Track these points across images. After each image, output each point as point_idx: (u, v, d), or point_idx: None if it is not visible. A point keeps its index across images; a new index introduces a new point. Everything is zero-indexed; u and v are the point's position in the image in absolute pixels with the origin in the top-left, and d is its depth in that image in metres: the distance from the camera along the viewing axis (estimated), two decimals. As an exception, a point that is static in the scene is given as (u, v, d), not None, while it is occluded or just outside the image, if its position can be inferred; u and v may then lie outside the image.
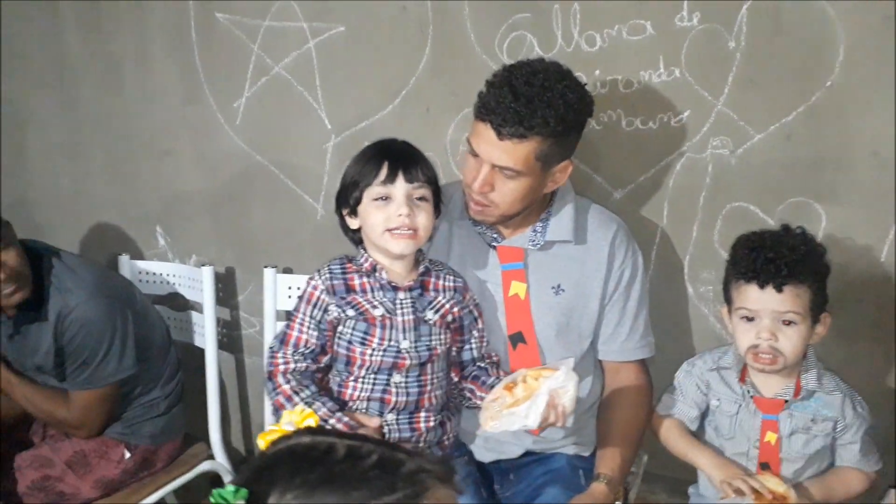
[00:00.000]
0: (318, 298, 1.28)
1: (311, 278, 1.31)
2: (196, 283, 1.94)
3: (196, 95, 1.91)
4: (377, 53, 1.70)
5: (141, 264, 2.03)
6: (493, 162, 1.25)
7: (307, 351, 1.28)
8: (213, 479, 1.93)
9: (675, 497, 1.55)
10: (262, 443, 0.84)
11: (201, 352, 1.94)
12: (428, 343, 1.28)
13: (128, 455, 1.77)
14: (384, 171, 1.22)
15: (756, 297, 1.23)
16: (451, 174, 1.66)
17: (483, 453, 1.46)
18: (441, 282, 1.33)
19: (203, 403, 1.94)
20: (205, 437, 1.95)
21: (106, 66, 1.99)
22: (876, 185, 1.36)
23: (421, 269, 1.31)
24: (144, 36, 1.92)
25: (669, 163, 1.51)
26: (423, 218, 1.24)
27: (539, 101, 1.20)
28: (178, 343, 1.91)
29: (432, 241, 1.34)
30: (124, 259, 2.02)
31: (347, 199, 1.27)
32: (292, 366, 1.27)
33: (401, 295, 1.28)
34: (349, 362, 1.28)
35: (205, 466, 1.91)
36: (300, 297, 1.32)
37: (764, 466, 1.30)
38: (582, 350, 1.41)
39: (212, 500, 0.65)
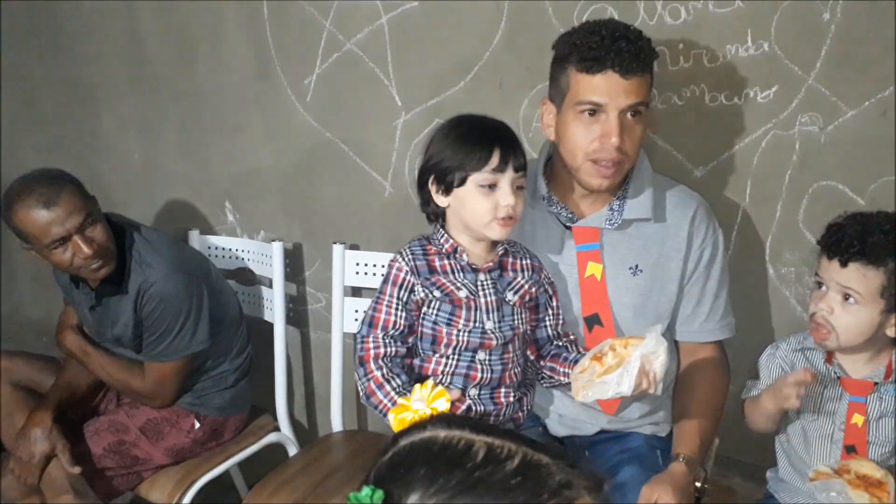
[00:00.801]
0: (404, 280, 1.28)
1: (393, 260, 1.31)
2: (265, 258, 1.97)
3: (267, 72, 1.93)
4: (451, 29, 1.68)
5: (211, 239, 2.06)
6: (625, 105, 1.24)
7: (396, 332, 1.28)
8: (278, 451, 1.96)
9: (749, 481, 1.52)
10: (392, 421, 0.82)
11: (269, 326, 1.96)
12: (511, 323, 1.28)
13: (197, 425, 1.82)
14: (495, 159, 1.20)
15: (825, 266, 1.23)
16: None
17: (557, 428, 1.45)
18: (519, 262, 1.32)
19: (269, 377, 1.97)
20: (271, 410, 1.99)
21: (178, 42, 2.02)
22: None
23: (500, 250, 1.30)
24: (217, 11, 1.93)
25: (754, 140, 1.47)
26: (521, 205, 1.24)
27: (636, 38, 1.24)
28: (246, 317, 1.94)
29: None
30: (194, 234, 2.05)
31: (444, 178, 1.24)
32: (383, 350, 1.27)
33: (481, 276, 1.28)
34: (435, 341, 1.28)
35: (271, 438, 1.94)
36: (385, 280, 1.32)
37: (850, 449, 1.26)
38: (668, 336, 1.39)
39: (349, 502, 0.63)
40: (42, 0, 2.14)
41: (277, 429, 1.97)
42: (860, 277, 1.19)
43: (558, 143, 1.32)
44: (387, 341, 1.28)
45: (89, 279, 1.66)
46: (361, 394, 1.29)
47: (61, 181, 1.57)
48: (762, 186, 1.49)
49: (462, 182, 1.22)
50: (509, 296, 1.28)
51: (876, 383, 1.25)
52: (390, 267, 1.31)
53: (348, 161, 1.91)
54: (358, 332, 1.32)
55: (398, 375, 1.27)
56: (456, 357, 1.27)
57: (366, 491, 0.62)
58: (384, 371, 1.26)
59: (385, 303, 1.29)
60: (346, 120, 1.88)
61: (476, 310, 1.26)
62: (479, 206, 1.21)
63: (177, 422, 1.81)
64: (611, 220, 1.36)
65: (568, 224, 1.38)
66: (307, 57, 1.86)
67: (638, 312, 1.35)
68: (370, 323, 1.30)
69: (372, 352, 1.28)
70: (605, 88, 1.23)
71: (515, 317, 1.29)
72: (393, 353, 1.28)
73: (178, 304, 1.66)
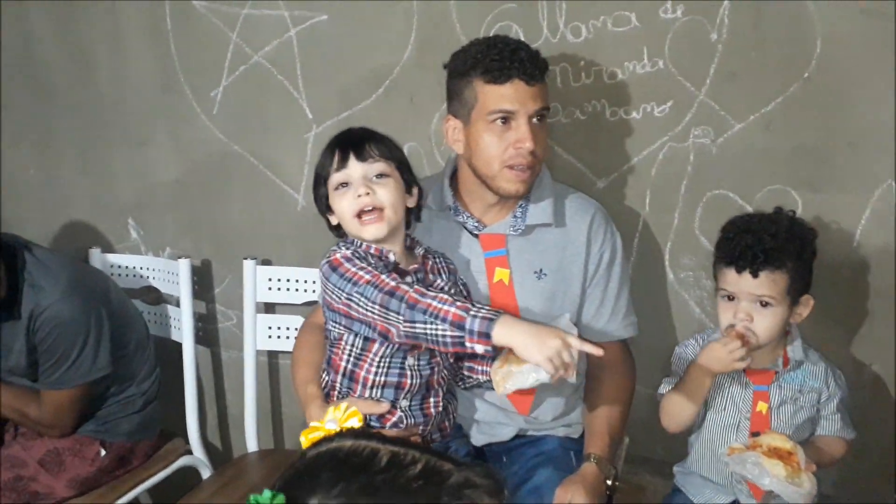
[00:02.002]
0: (353, 254, 1.22)
1: (332, 251, 1.25)
2: (171, 275, 1.91)
3: (171, 84, 1.88)
4: (361, 42, 1.69)
5: (112, 258, 1.98)
6: (533, 110, 1.29)
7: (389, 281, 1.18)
8: (190, 475, 1.89)
9: (658, 478, 1.59)
10: (303, 440, 0.82)
11: (178, 346, 1.90)
12: None
13: (103, 453, 1.73)
14: (337, 157, 1.23)
15: (734, 280, 1.29)
16: (436, 165, 1.67)
17: (477, 437, 1.47)
18: (438, 265, 1.34)
19: (179, 398, 1.90)
20: (182, 433, 1.92)
21: (77, 54, 1.94)
22: (852, 174, 1.42)
23: (419, 251, 1.32)
24: (118, 23, 1.87)
25: (652, 152, 1.55)
26: (386, 193, 1.22)
27: (530, 49, 1.31)
28: (154, 338, 1.87)
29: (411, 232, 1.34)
30: (95, 252, 1.97)
31: (318, 196, 1.27)
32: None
33: (408, 279, 1.26)
34: (365, 347, 1.25)
35: (183, 462, 1.88)
36: (340, 267, 1.21)
37: (755, 435, 1.34)
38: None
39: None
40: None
41: (189, 452, 1.90)
42: (771, 283, 1.26)
43: (470, 155, 1.35)
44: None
45: None
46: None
47: None
48: (660, 196, 1.57)
49: (327, 194, 1.25)
50: None
51: (776, 372, 1.35)
52: (332, 255, 1.24)
53: (258, 175, 1.88)
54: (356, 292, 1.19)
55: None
56: (387, 363, 1.25)
57: (266, 494, 0.63)
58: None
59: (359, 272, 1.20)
60: (255, 133, 1.86)
61: None
62: (339, 207, 1.24)
63: (80, 450, 1.71)
64: (514, 226, 1.40)
65: (475, 232, 1.42)
66: (214, 69, 1.83)
67: (545, 315, 1.39)
68: (354, 281, 1.19)
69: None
70: (514, 96, 1.27)
71: None
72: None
73: (74, 329, 1.58)
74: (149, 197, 2.01)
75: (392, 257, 1.25)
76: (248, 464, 1.85)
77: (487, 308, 1.12)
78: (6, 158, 2.09)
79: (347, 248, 1.24)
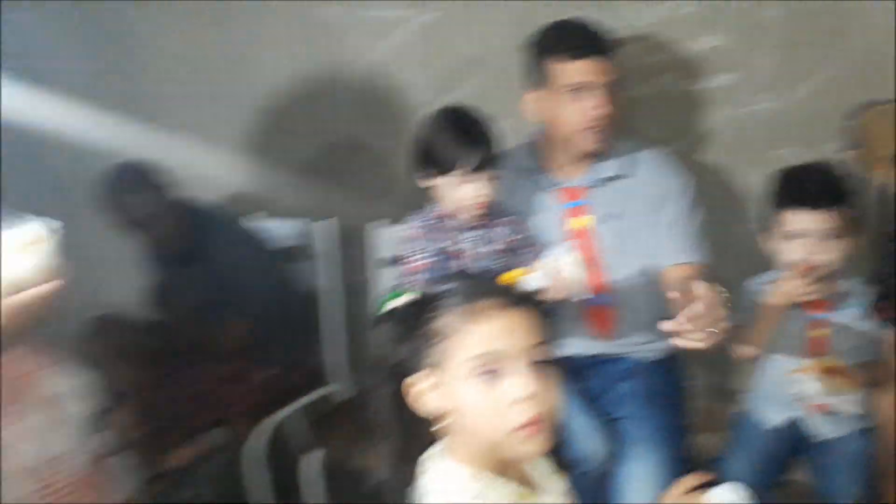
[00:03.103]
0: (420, 235, 1.55)
1: (408, 222, 1.58)
2: (317, 237, 2.30)
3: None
4: (467, 33, 2.01)
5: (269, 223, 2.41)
6: (605, 81, 1.53)
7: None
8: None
9: (727, 403, 1.80)
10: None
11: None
12: None
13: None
14: (462, 164, 1.45)
15: (803, 219, 1.44)
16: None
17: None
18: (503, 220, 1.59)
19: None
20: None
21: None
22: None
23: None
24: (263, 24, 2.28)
25: (718, 120, 1.76)
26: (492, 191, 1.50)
27: (601, 30, 1.57)
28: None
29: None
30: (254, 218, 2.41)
31: (425, 166, 1.51)
32: None
33: (467, 233, 1.55)
34: None
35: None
36: (407, 240, 1.57)
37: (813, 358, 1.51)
38: (643, 266, 1.66)
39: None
40: None
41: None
42: (834, 217, 1.44)
43: (549, 122, 1.63)
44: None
45: None
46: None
47: None
48: (726, 160, 1.77)
49: (437, 176, 1.51)
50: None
51: (832, 301, 1.51)
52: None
53: (383, 151, 2.23)
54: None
55: None
56: None
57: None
58: None
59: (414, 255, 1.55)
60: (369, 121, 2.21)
61: None
62: (452, 196, 1.50)
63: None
64: (590, 179, 1.66)
65: (554, 187, 1.68)
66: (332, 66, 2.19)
67: (622, 253, 1.64)
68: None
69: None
70: (587, 70, 1.54)
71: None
72: None
73: None
74: (295, 171, 2.42)
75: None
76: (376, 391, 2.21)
77: None
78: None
79: (422, 218, 1.55)
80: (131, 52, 2.52)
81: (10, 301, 0.96)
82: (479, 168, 1.47)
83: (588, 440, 1.54)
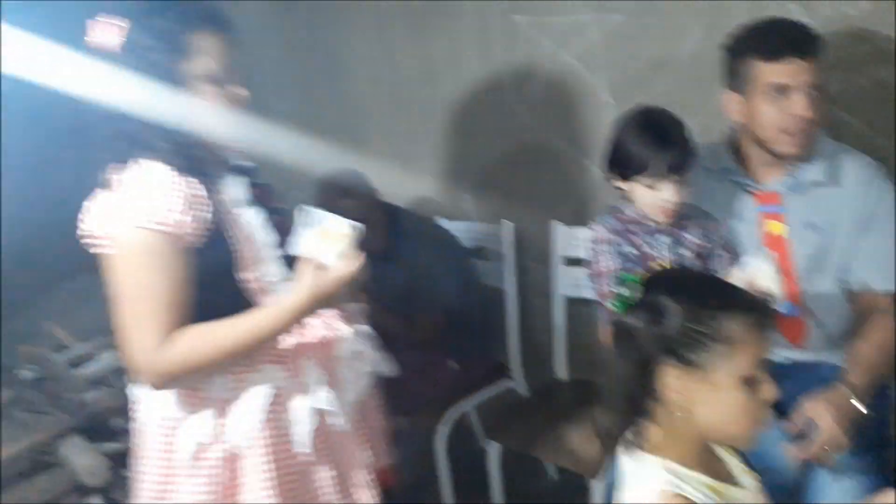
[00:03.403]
0: (609, 238, 1.54)
1: (594, 227, 1.57)
2: (498, 238, 2.40)
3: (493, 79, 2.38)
4: (654, 35, 2.00)
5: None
6: (808, 83, 1.47)
7: (613, 275, 1.52)
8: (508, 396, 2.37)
9: None
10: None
11: (500, 292, 2.40)
12: None
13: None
14: (657, 166, 1.43)
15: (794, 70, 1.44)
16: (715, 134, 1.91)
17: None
18: (693, 221, 1.56)
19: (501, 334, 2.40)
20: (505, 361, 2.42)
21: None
22: None
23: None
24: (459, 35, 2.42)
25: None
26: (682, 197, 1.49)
27: (806, 28, 1.52)
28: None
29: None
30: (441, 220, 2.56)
31: (618, 167, 1.51)
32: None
33: (661, 237, 1.53)
34: None
35: (505, 384, 2.37)
36: (594, 242, 1.57)
37: None
38: (838, 281, 1.59)
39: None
40: None
41: (511, 377, 2.39)
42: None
43: (748, 123, 1.57)
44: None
45: None
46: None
47: None
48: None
49: (630, 177, 1.48)
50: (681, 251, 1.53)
51: None
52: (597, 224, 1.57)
53: (562, 151, 2.29)
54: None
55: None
56: None
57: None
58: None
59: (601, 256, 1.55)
60: (560, 118, 2.26)
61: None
62: (647, 199, 1.47)
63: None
64: (789, 184, 1.59)
65: (750, 189, 1.63)
66: (528, 67, 2.28)
67: (817, 265, 1.56)
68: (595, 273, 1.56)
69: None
70: (790, 71, 1.48)
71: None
72: None
73: None
74: (478, 175, 2.54)
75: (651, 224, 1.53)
76: (556, 389, 2.28)
77: None
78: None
79: (607, 223, 1.54)
80: (330, 59, 2.77)
81: (326, 274, 1.21)
82: (673, 170, 1.45)
83: (779, 446, 1.49)
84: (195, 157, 1.23)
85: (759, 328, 0.99)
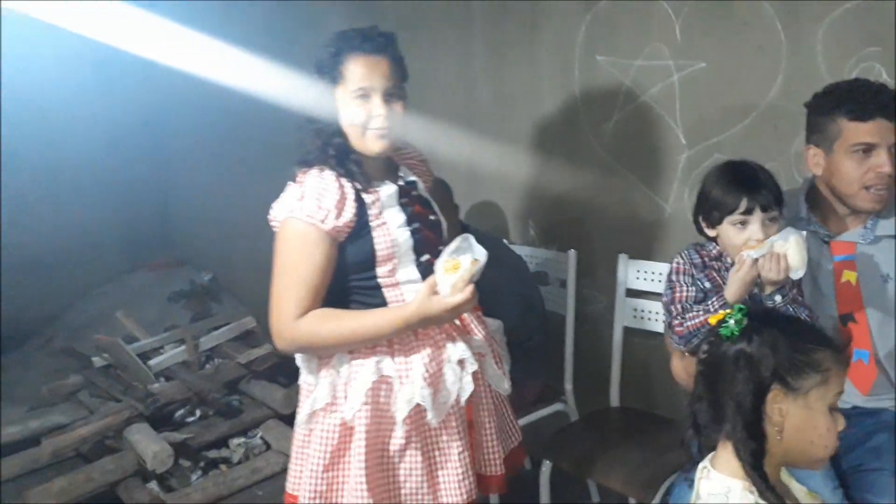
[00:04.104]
0: (685, 269, 1.66)
1: (675, 259, 1.66)
2: (561, 265, 2.50)
3: (571, 117, 2.49)
4: (733, 82, 2.09)
5: (519, 248, 2.65)
6: (891, 142, 1.56)
7: (688, 303, 1.65)
8: (560, 418, 2.45)
9: None
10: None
11: (560, 317, 2.49)
12: None
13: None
14: (743, 205, 1.50)
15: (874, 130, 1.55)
16: (793, 182, 1.99)
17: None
18: None
19: (559, 359, 2.49)
20: (559, 385, 2.50)
21: (503, 93, 2.67)
22: None
23: None
24: (537, 71, 2.54)
25: None
26: (768, 234, 1.53)
27: (889, 90, 1.61)
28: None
29: None
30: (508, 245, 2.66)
31: (708, 214, 1.58)
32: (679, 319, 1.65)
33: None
34: None
35: (556, 406, 2.44)
36: (674, 272, 1.67)
37: None
38: None
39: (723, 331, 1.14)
40: None
41: (564, 400, 2.47)
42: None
43: (829, 177, 1.65)
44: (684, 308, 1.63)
45: None
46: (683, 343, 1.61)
47: None
48: None
49: (721, 220, 1.56)
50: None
51: None
52: (675, 263, 1.65)
53: (635, 188, 2.38)
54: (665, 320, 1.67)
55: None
56: None
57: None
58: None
59: (678, 287, 1.63)
60: (635, 155, 2.36)
61: None
62: (734, 240, 1.54)
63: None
64: (865, 236, 1.66)
65: (826, 239, 1.71)
66: (608, 106, 2.38)
67: (889, 313, 1.62)
68: (670, 301, 1.63)
69: (676, 322, 1.62)
70: (876, 131, 1.56)
71: None
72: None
73: None
74: (546, 202, 2.64)
75: (728, 260, 1.59)
76: (608, 414, 2.35)
77: None
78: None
79: (689, 257, 1.63)
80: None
81: (436, 300, 1.38)
82: (763, 208, 1.52)
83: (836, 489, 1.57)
84: (354, 165, 1.47)
85: (843, 364, 1.14)
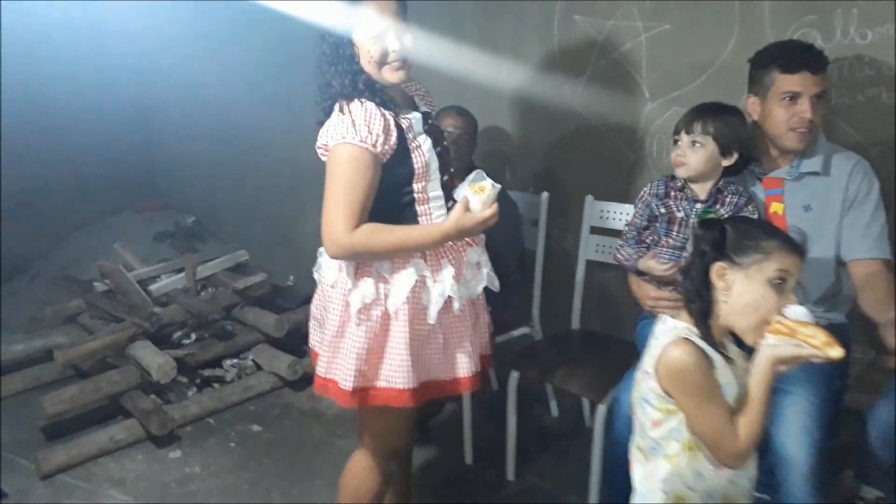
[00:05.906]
0: (645, 199, 2.00)
1: (644, 188, 2.03)
2: (535, 206, 2.77)
3: (550, 69, 2.75)
4: (693, 43, 2.37)
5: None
6: (814, 93, 1.85)
7: (633, 230, 2.03)
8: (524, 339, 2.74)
9: None
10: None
11: (531, 253, 2.77)
12: None
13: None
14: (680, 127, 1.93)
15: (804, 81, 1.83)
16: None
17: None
18: (728, 197, 1.96)
19: (528, 288, 2.77)
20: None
21: (492, 44, 2.91)
22: None
23: (714, 188, 1.96)
24: (523, 23, 2.79)
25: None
26: (693, 156, 1.91)
27: (818, 49, 1.89)
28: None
29: None
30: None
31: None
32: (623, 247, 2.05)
33: (698, 205, 1.95)
34: (657, 243, 2.00)
35: (523, 330, 2.73)
36: (638, 199, 2.04)
37: None
38: (829, 256, 1.95)
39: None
40: None
41: (531, 325, 2.76)
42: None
43: (763, 121, 1.94)
44: (628, 237, 2.06)
45: None
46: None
47: None
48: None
49: (677, 132, 1.97)
50: None
51: None
52: (642, 192, 2.04)
53: (602, 136, 2.66)
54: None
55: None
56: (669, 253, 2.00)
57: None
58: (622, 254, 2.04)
59: (636, 214, 2.04)
60: (604, 106, 2.64)
61: (686, 227, 1.97)
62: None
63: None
64: (790, 173, 1.96)
65: (759, 176, 2.00)
66: (581, 62, 2.65)
67: (812, 238, 1.90)
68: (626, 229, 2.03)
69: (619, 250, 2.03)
70: (801, 82, 1.85)
71: None
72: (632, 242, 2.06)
73: None
74: (523, 149, 2.91)
75: (689, 192, 1.96)
76: (569, 335, 2.65)
77: None
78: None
79: (655, 186, 2.00)
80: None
81: (470, 215, 1.64)
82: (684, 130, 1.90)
83: None
84: (385, 96, 1.69)
85: (788, 251, 1.38)
